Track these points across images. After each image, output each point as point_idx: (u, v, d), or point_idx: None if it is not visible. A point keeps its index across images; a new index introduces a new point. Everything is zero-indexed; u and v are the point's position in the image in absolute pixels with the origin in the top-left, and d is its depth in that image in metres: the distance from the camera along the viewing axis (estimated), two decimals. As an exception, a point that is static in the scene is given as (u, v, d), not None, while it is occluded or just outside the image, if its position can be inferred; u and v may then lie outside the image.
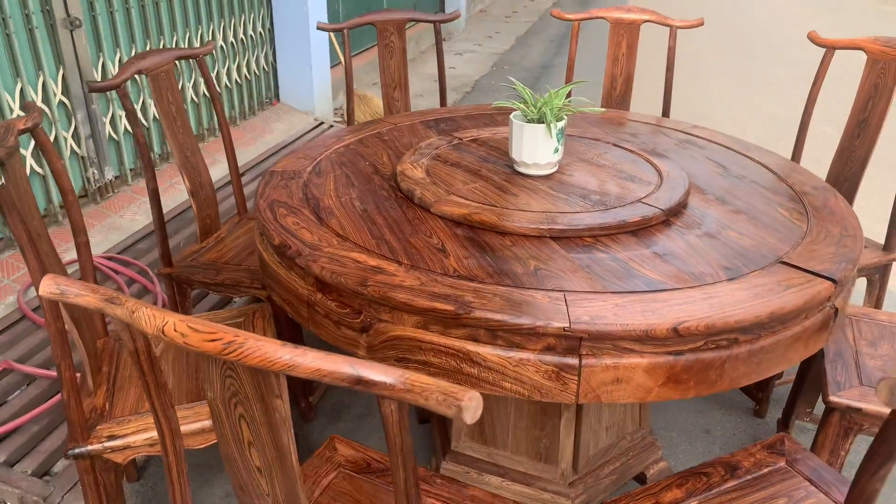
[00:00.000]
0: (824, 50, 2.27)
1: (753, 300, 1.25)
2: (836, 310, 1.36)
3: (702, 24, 2.61)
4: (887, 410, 1.19)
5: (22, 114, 2.26)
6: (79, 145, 3.03)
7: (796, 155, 2.39)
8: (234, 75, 4.22)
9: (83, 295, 0.82)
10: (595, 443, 1.81)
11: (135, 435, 1.43)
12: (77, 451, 1.40)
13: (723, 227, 1.53)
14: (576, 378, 1.20)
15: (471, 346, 1.22)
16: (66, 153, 2.97)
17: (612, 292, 1.26)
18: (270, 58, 4.64)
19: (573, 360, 1.19)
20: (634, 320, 1.18)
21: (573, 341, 1.19)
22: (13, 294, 2.54)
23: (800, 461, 1.37)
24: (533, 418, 1.77)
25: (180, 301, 2.09)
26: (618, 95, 2.72)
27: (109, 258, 2.80)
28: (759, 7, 10.16)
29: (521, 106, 1.66)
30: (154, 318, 0.74)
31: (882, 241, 2.18)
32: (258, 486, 0.87)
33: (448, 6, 8.29)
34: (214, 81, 3.95)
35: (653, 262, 1.37)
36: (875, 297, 2.20)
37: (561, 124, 1.64)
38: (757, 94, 5.76)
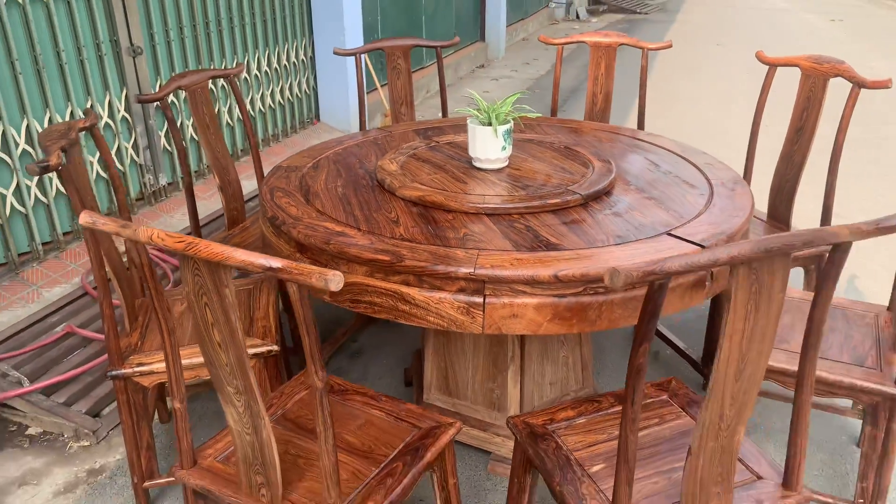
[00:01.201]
0: (768, 67, 2.57)
1: (628, 259, 1.58)
2: (712, 273, 1.67)
3: (670, 46, 2.93)
4: (778, 364, 1.43)
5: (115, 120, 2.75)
6: (138, 155, 3.55)
7: (749, 161, 2.68)
8: (278, 97, 4.73)
9: (106, 223, 1.23)
10: (539, 396, 2.13)
11: (158, 364, 1.84)
12: (114, 373, 1.82)
13: (631, 209, 1.86)
14: (481, 313, 1.55)
15: (404, 289, 1.58)
16: (127, 161, 3.48)
17: (516, 251, 1.61)
18: (312, 82, 5.15)
19: (479, 299, 1.54)
20: (524, 269, 1.52)
21: (478, 284, 1.54)
22: (77, 276, 3.03)
23: (680, 395, 1.67)
24: (487, 372, 2.12)
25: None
26: (598, 110, 3.06)
27: (159, 249, 3.27)
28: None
29: (476, 112, 2.04)
30: (145, 232, 1.14)
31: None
32: (219, 358, 1.26)
33: (488, 34, 8.75)
34: (246, 101, 4.46)
35: (560, 232, 1.72)
36: (812, 284, 2.46)
37: (505, 127, 2.00)
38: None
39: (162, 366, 1.84)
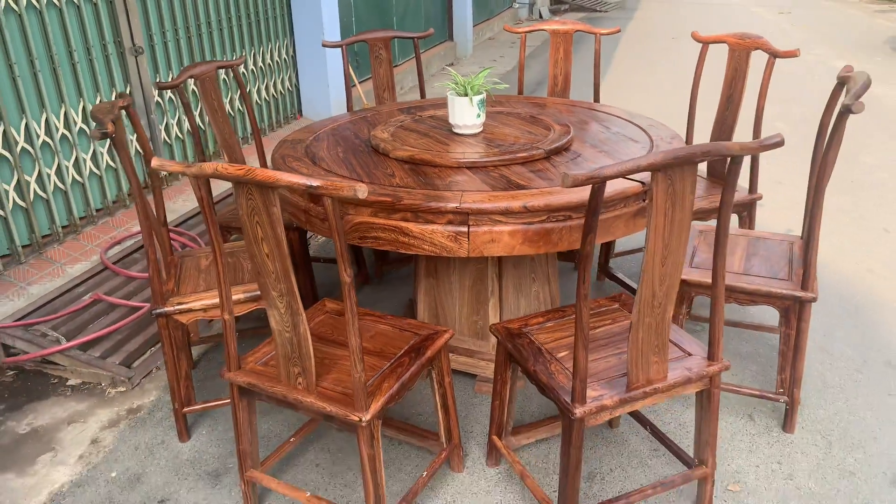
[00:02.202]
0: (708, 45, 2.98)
1: (582, 192, 1.96)
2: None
3: (618, 31, 3.34)
4: (704, 279, 1.78)
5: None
6: (141, 146, 3.85)
7: (689, 125, 3.09)
8: (263, 94, 5.06)
9: (173, 165, 1.57)
10: (516, 325, 2.50)
11: (193, 303, 2.18)
12: (158, 311, 2.16)
13: (585, 160, 2.25)
14: (466, 240, 1.92)
15: (403, 224, 1.95)
16: (132, 152, 3.79)
17: (492, 191, 1.99)
18: (294, 79, 5.49)
19: (464, 228, 1.91)
20: (500, 203, 1.90)
21: (463, 216, 1.91)
22: (96, 254, 3.34)
23: (628, 304, 2.06)
24: (471, 307, 2.49)
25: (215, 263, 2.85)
26: (559, 91, 3.45)
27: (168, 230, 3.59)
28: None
29: (454, 85, 2.41)
30: (210, 166, 1.49)
31: (747, 185, 2.85)
32: (267, 267, 1.60)
33: (456, 34, 9.15)
34: (236, 95, 4.78)
35: (527, 178, 2.09)
36: (745, 227, 2.87)
37: (479, 97, 2.38)
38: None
39: (197, 304, 2.18)
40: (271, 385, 1.77)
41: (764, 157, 4.87)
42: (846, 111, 1.87)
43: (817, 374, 2.56)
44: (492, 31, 10.89)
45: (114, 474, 2.20)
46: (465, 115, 2.41)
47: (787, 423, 2.27)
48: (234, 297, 2.18)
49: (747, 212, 2.86)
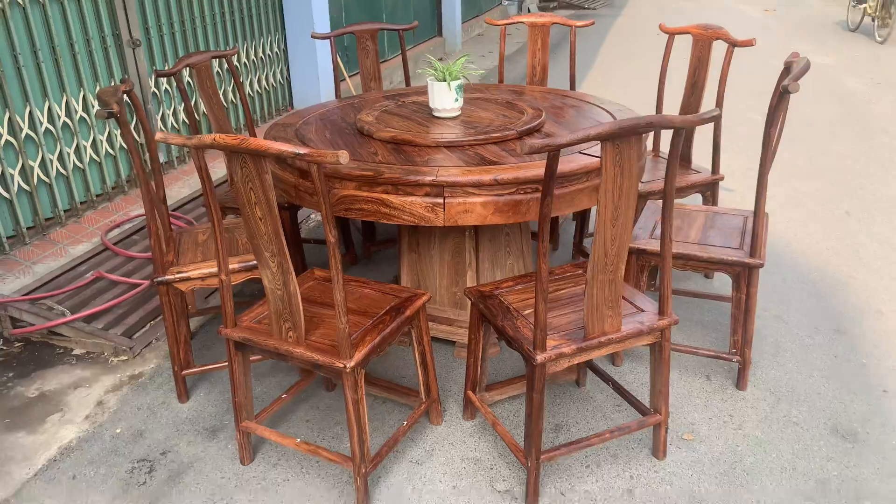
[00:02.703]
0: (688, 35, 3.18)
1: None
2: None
3: (593, 23, 3.53)
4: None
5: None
6: (138, 135, 4.03)
7: (658, 109, 3.28)
8: (256, 86, 5.23)
9: (176, 138, 1.75)
10: (493, 295, 2.69)
11: (192, 272, 2.35)
12: (160, 279, 2.34)
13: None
14: (442, 210, 2.11)
15: (384, 196, 2.13)
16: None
17: (466, 166, 2.17)
18: (285, 72, 5.66)
19: (440, 200, 2.10)
20: (473, 176, 2.08)
21: (439, 189, 2.10)
22: (97, 236, 3.52)
23: (593, 271, 2.25)
24: (450, 279, 2.67)
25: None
26: (537, 80, 3.64)
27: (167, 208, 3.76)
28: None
29: (433, 72, 2.60)
30: (208, 137, 1.67)
31: (710, 166, 3.05)
32: (259, 229, 1.78)
33: (445, 30, 9.33)
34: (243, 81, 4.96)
35: (499, 155, 2.28)
36: (708, 204, 3.06)
37: (457, 82, 2.57)
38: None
39: (195, 273, 2.36)
40: (264, 339, 1.95)
41: (737, 145, 5.09)
42: (784, 92, 2.07)
43: (772, 339, 2.76)
44: (480, 28, 11.07)
45: (118, 430, 2.38)
46: (444, 99, 2.59)
47: (740, 381, 2.47)
48: (230, 267, 2.36)
49: (710, 191, 3.06)
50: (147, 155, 3.81)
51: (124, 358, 2.80)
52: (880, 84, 7.06)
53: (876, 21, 9.44)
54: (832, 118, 5.84)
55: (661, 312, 1.98)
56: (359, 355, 1.85)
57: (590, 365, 2.43)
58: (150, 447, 2.29)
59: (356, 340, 1.91)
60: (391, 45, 7.57)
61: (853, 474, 2.09)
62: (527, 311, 2.02)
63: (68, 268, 3.23)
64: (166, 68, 4.21)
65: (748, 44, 2.84)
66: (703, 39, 3.01)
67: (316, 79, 5.64)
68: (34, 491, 2.13)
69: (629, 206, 1.76)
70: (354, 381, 1.86)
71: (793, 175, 4.54)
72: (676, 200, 2.97)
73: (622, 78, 7.57)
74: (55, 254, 3.33)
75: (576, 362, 1.90)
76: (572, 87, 3.57)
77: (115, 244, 3.45)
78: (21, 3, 3.24)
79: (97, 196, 3.77)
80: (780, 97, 2.11)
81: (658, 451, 2.15)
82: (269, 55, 5.37)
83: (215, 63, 4.64)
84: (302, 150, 1.61)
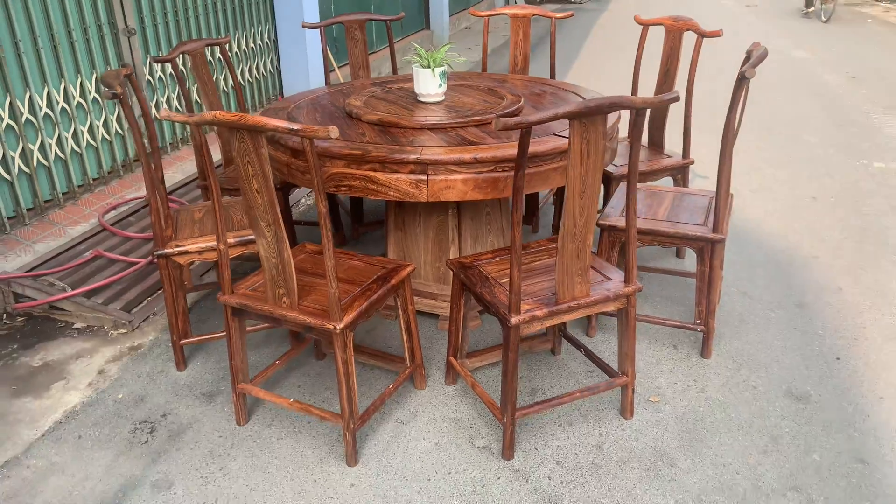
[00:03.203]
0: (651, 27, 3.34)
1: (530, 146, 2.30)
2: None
3: (572, 15, 3.69)
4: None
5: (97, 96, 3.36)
6: (141, 109, 4.14)
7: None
8: (247, 76, 5.36)
9: (178, 116, 1.89)
10: (474, 271, 2.85)
11: (189, 246, 2.50)
12: (160, 252, 2.48)
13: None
14: (426, 186, 2.26)
15: (372, 173, 2.28)
16: (125, 126, 4.08)
17: (448, 146, 2.33)
18: (276, 63, 5.79)
19: (423, 177, 2.25)
20: (454, 155, 2.24)
21: (423, 166, 2.25)
22: (94, 217, 3.64)
23: (566, 245, 2.41)
24: (434, 255, 2.83)
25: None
26: (519, 69, 3.79)
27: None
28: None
29: (418, 59, 2.74)
30: (209, 116, 1.81)
31: (681, 151, 3.22)
32: (256, 200, 1.93)
33: (433, 23, 9.47)
34: (235, 69, 5.09)
35: (479, 136, 2.44)
36: (679, 185, 3.23)
37: (441, 69, 2.71)
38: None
39: (193, 247, 2.50)
40: (260, 304, 2.10)
41: (715, 135, 5.26)
42: (742, 77, 2.23)
43: (737, 314, 2.94)
44: (468, 21, 11.21)
45: (120, 396, 2.52)
46: (429, 84, 2.74)
47: (705, 349, 2.64)
48: (205, 244, 2.50)
49: (681, 174, 3.23)
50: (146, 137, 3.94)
51: (123, 331, 2.93)
52: (854, 78, 7.27)
53: (821, 3, 11.38)
54: (807, 110, 6.03)
55: (627, 281, 2.15)
56: (348, 318, 2.01)
57: (565, 335, 2.59)
58: (151, 410, 2.44)
59: (345, 305, 2.06)
60: (379, 37, 7.69)
61: (804, 431, 2.27)
62: (503, 280, 2.18)
63: (67, 247, 3.35)
64: (160, 55, 4.34)
65: (716, 34, 3.01)
66: (675, 30, 3.17)
67: (305, 69, 5.77)
68: (42, 450, 2.27)
69: (595, 180, 1.92)
70: (344, 342, 2.02)
71: (767, 164, 4.72)
72: (649, 183, 3.13)
73: (604, 68, 7.74)
74: (54, 234, 3.45)
75: (548, 325, 2.07)
76: (552, 76, 3.73)
77: (111, 225, 3.57)
78: (21, -9, 3.36)
79: (94, 179, 3.90)
80: (739, 82, 2.27)
81: (626, 410, 2.32)
82: (259, 45, 5.50)
83: (208, 52, 4.76)
84: (296, 126, 1.76)
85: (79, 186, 3.79)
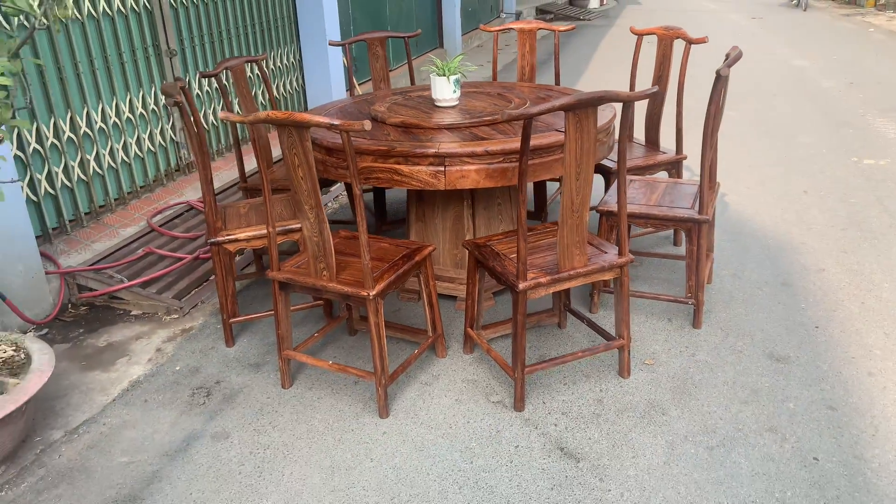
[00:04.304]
0: (655, 37, 3.68)
1: (536, 139, 2.64)
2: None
3: (574, 28, 4.04)
4: (629, 209, 2.46)
5: (143, 111, 3.75)
6: (175, 134, 4.55)
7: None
8: (275, 93, 5.75)
9: (235, 116, 2.25)
10: (488, 256, 3.18)
11: (238, 234, 2.85)
12: (212, 240, 2.83)
13: (536, 121, 2.93)
14: (443, 176, 2.60)
15: (396, 166, 2.63)
16: (168, 139, 4.48)
17: (462, 142, 2.67)
18: (301, 80, 6.19)
19: (442, 168, 2.60)
20: (467, 148, 2.58)
21: (441, 159, 2.59)
22: (143, 220, 4.02)
23: (568, 227, 2.73)
24: (452, 243, 3.16)
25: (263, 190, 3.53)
26: (526, 79, 4.14)
27: (200, 201, 4.27)
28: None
29: (434, 67, 3.10)
30: (262, 114, 2.17)
31: (675, 148, 3.54)
32: (300, 186, 2.27)
33: (446, 41, 9.88)
34: (271, 83, 5.49)
35: (490, 134, 2.78)
36: (673, 177, 3.55)
37: (455, 77, 3.07)
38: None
39: (241, 235, 2.85)
40: (304, 278, 2.44)
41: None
42: (717, 76, 2.56)
43: (727, 291, 3.24)
44: (480, 40, 11.62)
45: (178, 368, 2.87)
46: (444, 91, 3.10)
47: (695, 320, 2.94)
48: (256, 233, 2.85)
49: (675, 168, 3.55)
50: (189, 146, 4.31)
51: (175, 316, 3.29)
52: (852, 84, 7.56)
53: None
54: (800, 112, 6.33)
55: (621, 253, 2.47)
56: (379, 287, 2.34)
57: (570, 310, 2.91)
58: (206, 378, 2.78)
59: (376, 276, 2.40)
60: (396, 55, 8.11)
61: (781, 385, 2.56)
62: (512, 255, 2.51)
63: (121, 245, 3.73)
64: (195, 85, 4.74)
65: (702, 41, 3.34)
66: (666, 38, 3.51)
67: (328, 86, 6.16)
68: (115, 411, 2.61)
69: (589, 164, 2.25)
70: (376, 308, 2.35)
71: (765, 163, 5.03)
72: (646, 175, 3.45)
73: (609, 78, 8.08)
74: (109, 234, 3.83)
75: (551, 290, 2.39)
76: (557, 83, 4.07)
77: (160, 226, 3.95)
78: (80, 17, 3.77)
79: (141, 187, 4.29)
80: (716, 80, 2.60)
81: (623, 370, 2.63)
82: (285, 64, 5.90)
83: (248, 68, 5.16)
84: (336, 122, 2.11)
85: (128, 193, 4.17)
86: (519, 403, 2.47)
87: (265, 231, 2.85)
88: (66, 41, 3.70)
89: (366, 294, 2.32)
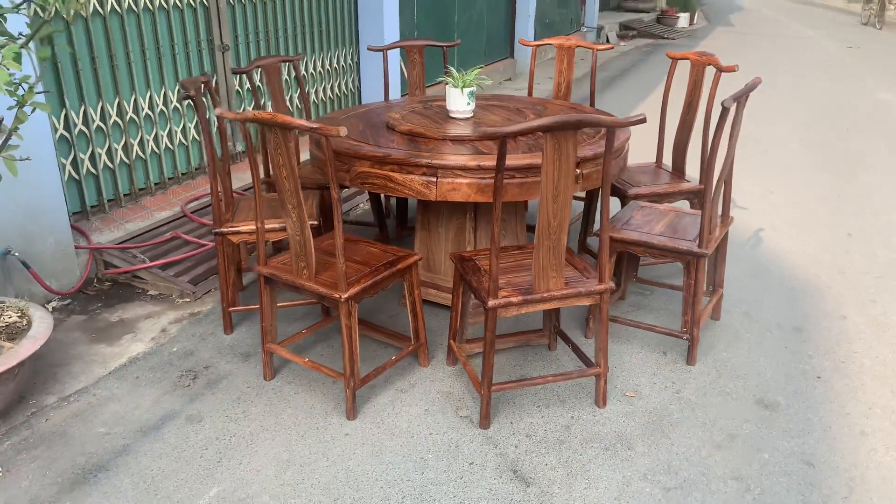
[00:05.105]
0: (680, 61, 3.59)
1: (524, 158, 2.62)
2: (582, 174, 2.70)
3: (612, 48, 3.98)
4: (625, 236, 2.36)
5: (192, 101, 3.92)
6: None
7: (661, 131, 3.69)
8: (329, 93, 5.91)
9: (229, 113, 2.34)
10: (488, 270, 3.17)
11: (241, 227, 2.95)
12: (217, 230, 2.95)
13: (533, 140, 2.90)
14: (435, 187, 2.62)
15: (391, 173, 2.67)
16: (213, 129, 4.67)
17: (459, 154, 2.68)
18: (357, 81, 6.33)
19: (433, 179, 2.61)
20: (460, 161, 2.59)
21: (433, 170, 2.61)
22: (178, 205, 4.21)
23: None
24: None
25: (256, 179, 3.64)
26: (561, 95, 4.11)
27: (243, 191, 4.43)
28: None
29: (451, 79, 3.12)
30: (250, 114, 2.25)
31: (698, 177, 3.43)
32: (284, 185, 2.34)
33: (517, 51, 9.87)
34: (310, 86, 5.64)
35: (491, 148, 2.77)
36: (680, 205, 3.44)
37: (469, 89, 3.08)
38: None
39: (244, 228, 2.95)
40: (285, 275, 2.51)
41: (770, 171, 5.36)
42: (723, 108, 2.48)
43: (733, 330, 3.11)
44: (554, 52, 11.54)
45: (174, 349, 2.99)
46: (458, 102, 3.11)
47: (689, 357, 2.84)
48: (271, 226, 2.94)
49: (697, 199, 3.44)
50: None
51: (187, 300, 3.43)
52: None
53: (874, 15, 16.75)
54: (874, 149, 6.00)
55: (600, 279, 2.42)
56: (352, 290, 2.38)
57: (558, 331, 2.87)
58: (196, 362, 2.89)
59: (353, 280, 2.44)
60: (462, 62, 8.16)
61: (762, 433, 2.45)
62: (493, 271, 2.49)
63: (152, 227, 3.92)
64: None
65: (731, 69, 3.23)
66: (699, 64, 3.41)
67: (382, 88, 6.27)
68: (107, 383, 2.75)
69: (567, 186, 2.22)
70: (348, 311, 2.39)
71: (814, 199, 4.80)
72: (665, 204, 3.36)
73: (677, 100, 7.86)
74: (143, 216, 4.03)
75: (523, 311, 2.37)
76: (592, 103, 4.02)
77: (192, 213, 4.13)
78: (136, 10, 3.99)
79: (182, 174, 4.49)
80: (722, 112, 2.51)
81: (598, 400, 2.57)
82: (341, 66, 6.05)
83: (285, 71, 5.32)
84: (315, 125, 2.17)
85: (169, 178, 4.38)
86: (484, 420, 2.46)
87: (271, 226, 2.94)
88: (121, 32, 3.92)
89: (338, 296, 2.36)
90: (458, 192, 2.62)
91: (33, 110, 2.41)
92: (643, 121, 2.20)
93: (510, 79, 9.52)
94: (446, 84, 3.14)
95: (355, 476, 2.25)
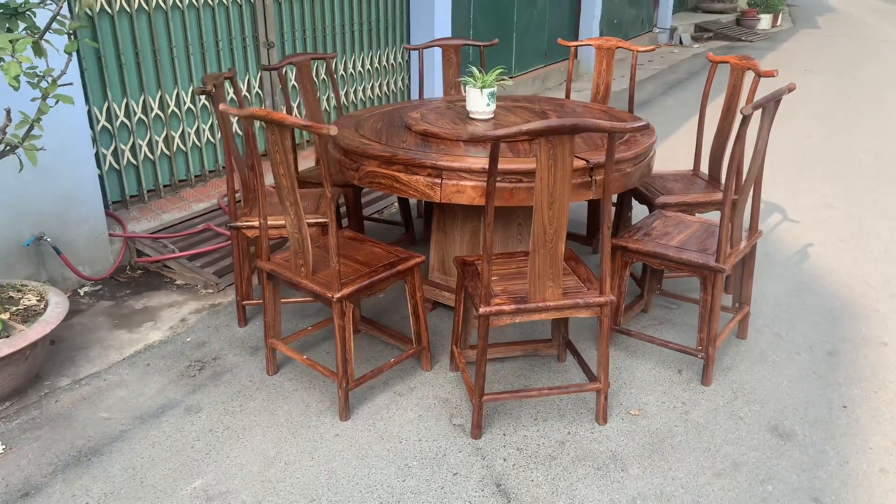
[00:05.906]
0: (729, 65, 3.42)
1: (531, 162, 2.54)
2: (595, 180, 2.60)
3: (654, 49, 3.82)
4: (640, 246, 2.26)
5: (234, 96, 3.99)
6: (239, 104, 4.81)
7: (699, 135, 3.52)
8: (377, 91, 5.93)
9: (232, 109, 2.36)
10: (502, 276, 3.10)
11: (255, 222, 2.98)
12: (232, 224, 2.99)
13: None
14: (440, 189, 2.57)
15: (397, 174, 2.63)
16: (256, 126, 4.75)
17: (464, 156, 2.62)
18: (407, 80, 6.33)
19: (438, 180, 2.56)
20: (464, 164, 2.53)
21: (438, 171, 2.56)
22: (215, 198, 4.31)
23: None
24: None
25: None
26: (600, 98, 3.98)
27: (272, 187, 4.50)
28: None
29: (471, 80, 3.06)
30: (249, 111, 2.26)
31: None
32: (282, 182, 2.34)
33: (580, 51, 9.67)
34: (336, 76, 5.67)
35: (502, 151, 2.70)
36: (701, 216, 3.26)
37: (489, 90, 3.01)
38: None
39: (256, 224, 2.97)
40: (284, 271, 2.51)
41: (834, 179, 5.05)
42: (742, 115, 2.33)
43: (759, 351, 2.94)
44: (622, 53, 11.26)
45: (189, 339, 3.05)
46: (477, 103, 3.05)
47: (705, 376, 2.70)
48: (279, 222, 2.96)
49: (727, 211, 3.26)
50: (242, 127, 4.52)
51: (211, 291, 3.50)
52: None
53: None
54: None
55: (601, 292, 2.32)
56: (346, 291, 2.36)
57: (566, 341, 2.77)
58: (206, 353, 2.94)
59: (348, 280, 2.42)
60: (519, 63, 8.06)
61: (771, 463, 2.29)
62: (494, 277, 2.43)
63: (186, 218, 4.02)
64: (291, 75, 4.99)
65: (770, 74, 3.04)
66: (738, 69, 3.23)
67: (433, 86, 6.25)
68: (119, 369, 2.83)
69: (563, 193, 2.13)
70: (341, 310, 2.37)
71: (872, 216, 4.49)
72: (695, 214, 3.20)
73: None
74: (180, 207, 4.14)
75: (517, 320, 2.29)
76: (630, 109, 3.87)
77: (227, 206, 4.21)
78: (180, 6, 4.09)
79: (223, 167, 4.59)
80: (742, 120, 2.36)
81: (599, 416, 2.47)
82: (391, 64, 6.06)
83: (322, 70, 5.37)
84: (307, 122, 2.15)
85: (210, 171, 4.48)
86: (475, 430, 2.39)
87: (282, 221, 2.96)
88: (165, 27, 4.03)
89: (331, 296, 2.35)
90: (462, 194, 2.57)
91: (56, 102, 2.50)
92: (645, 127, 2.08)
93: (574, 80, 9.34)
94: (467, 84, 3.09)
95: (336, 478, 2.23)
